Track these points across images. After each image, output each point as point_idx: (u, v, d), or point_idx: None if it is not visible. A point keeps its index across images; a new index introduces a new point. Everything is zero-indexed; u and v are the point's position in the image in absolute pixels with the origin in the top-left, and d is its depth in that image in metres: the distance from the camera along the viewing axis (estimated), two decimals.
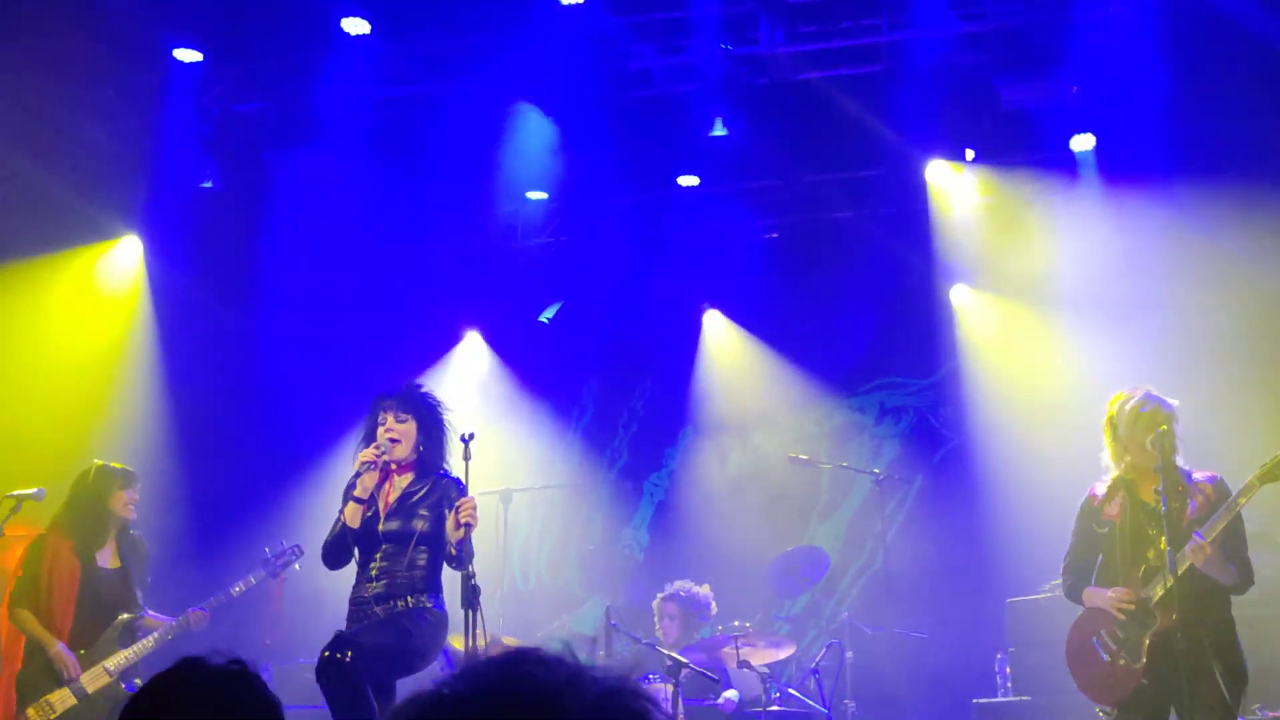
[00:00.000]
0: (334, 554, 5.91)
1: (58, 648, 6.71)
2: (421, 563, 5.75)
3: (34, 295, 9.27)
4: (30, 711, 6.65)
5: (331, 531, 5.92)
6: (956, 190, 10.09)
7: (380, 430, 5.89)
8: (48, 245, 9.47)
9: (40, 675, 6.75)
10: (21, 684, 6.79)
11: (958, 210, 10.17)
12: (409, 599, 5.68)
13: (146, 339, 10.09)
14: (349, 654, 5.30)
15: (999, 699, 8.20)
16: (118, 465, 7.23)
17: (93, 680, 6.77)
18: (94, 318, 9.81)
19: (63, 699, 6.71)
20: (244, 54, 9.06)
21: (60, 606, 6.82)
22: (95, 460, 7.22)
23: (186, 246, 10.06)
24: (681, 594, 8.55)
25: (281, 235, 9.93)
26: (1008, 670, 8.19)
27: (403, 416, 5.92)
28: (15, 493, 6.76)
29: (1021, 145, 9.62)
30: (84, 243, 9.83)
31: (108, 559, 7.07)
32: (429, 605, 5.71)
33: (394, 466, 5.93)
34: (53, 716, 6.66)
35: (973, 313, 10.68)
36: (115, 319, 9.97)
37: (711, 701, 7.84)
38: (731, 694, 7.88)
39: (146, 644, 6.94)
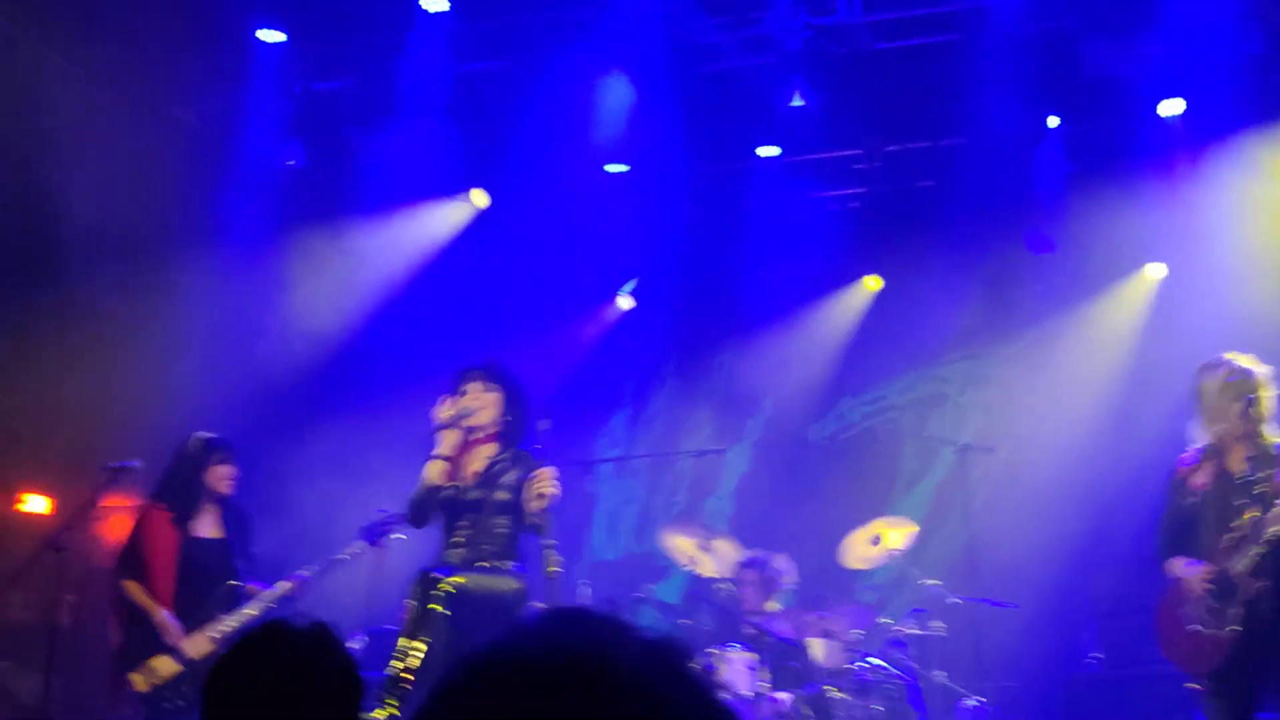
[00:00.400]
0: (419, 512, 6.04)
1: (162, 614, 6.88)
2: (501, 532, 5.87)
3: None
4: (135, 677, 6.84)
5: (416, 490, 6.04)
6: (1042, 158, 9.96)
7: (465, 398, 6.04)
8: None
9: (144, 642, 6.93)
10: (126, 650, 6.97)
11: (1043, 178, 10.04)
12: (491, 561, 5.81)
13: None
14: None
15: (1087, 670, 8.14)
16: (217, 437, 7.36)
17: (194, 647, 6.93)
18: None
19: (166, 664, 6.89)
20: (326, 33, 9.17)
21: (162, 575, 6.98)
22: (195, 433, 7.35)
23: (272, 223, 10.23)
24: (758, 560, 8.57)
25: (364, 212, 10.06)
26: (1098, 641, 8.13)
27: (490, 386, 6.07)
28: (113, 464, 6.94)
29: (1107, 111, 9.47)
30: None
31: (208, 529, 7.21)
32: (513, 573, 5.84)
33: (479, 435, 6.05)
34: (156, 681, 6.84)
35: (1059, 281, 10.55)
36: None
37: (785, 692, 7.83)
38: (806, 685, 7.86)
39: (248, 611, 7.08)
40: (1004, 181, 10.04)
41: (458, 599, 5.57)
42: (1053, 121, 9.67)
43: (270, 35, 9.00)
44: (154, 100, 9.32)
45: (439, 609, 5.54)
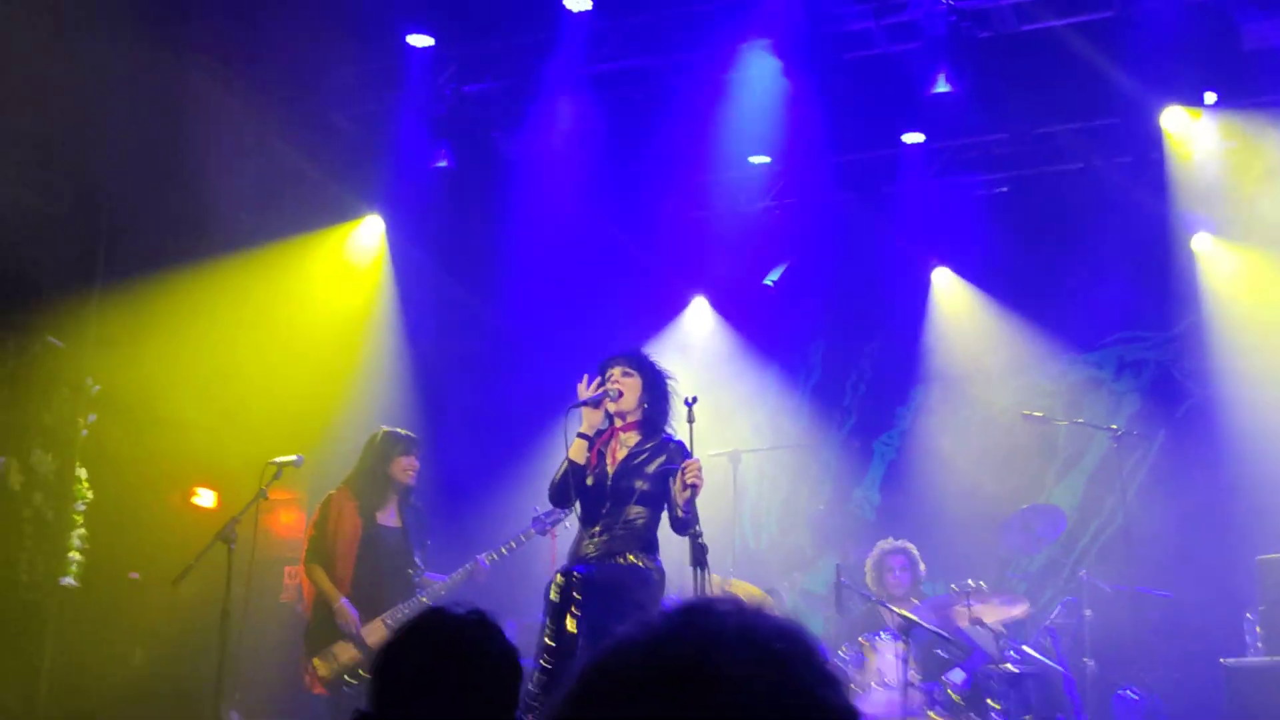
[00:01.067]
0: (563, 491, 6.14)
1: (340, 602, 7.13)
2: (640, 522, 5.93)
3: (291, 273, 9.80)
4: (316, 661, 7.10)
5: (559, 470, 6.16)
6: (1196, 136, 9.68)
7: (614, 384, 6.15)
8: (303, 226, 10.01)
9: (326, 627, 7.18)
10: (310, 635, 7.24)
11: (1198, 157, 9.76)
12: (628, 555, 5.87)
13: (391, 311, 10.58)
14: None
15: (1249, 659, 7.92)
16: (403, 431, 7.65)
17: (372, 633, 7.16)
18: (342, 294, 10.31)
19: (346, 650, 7.14)
20: (473, 36, 9.35)
21: (343, 562, 7.25)
22: (382, 426, 7.65)
23: (423, 224, 10.51)
24: (905, 549, 8.52)
25: (512, 209, 10.26)
26: (1258, 630, 7.90)
27: (629, 372, 6.18)
28: (276, 459, 7.22)
29: (1267, 86, 9.16)
30: (334, 223, 10.35)
31: (390, 519, 7.48)
32: (649, 564, 5.90)
33: (620, 423, 6.15)
34: (337, 667, 7.10)
35: (1216, 262, 10.26)
36: (361, 294, 10.47)
37: (935, 683, 7.78)
38: (957, 675, 7.80)
39: (424, 600, 7.30)
40: (1158, 160, 9.79)
41: (594, 596, 5.65)
42: (1209, 98, 9.38)
43: (419, 40, 9.21)
44: (308, 107, 9.63)
45: (576, 610, 5.62)
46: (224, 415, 8.78)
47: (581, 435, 6.11)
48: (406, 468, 7.50)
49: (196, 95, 8.72)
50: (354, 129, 9.95)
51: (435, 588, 7.38)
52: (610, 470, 6.08)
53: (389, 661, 2.53)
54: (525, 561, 8.93)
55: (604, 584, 5.72)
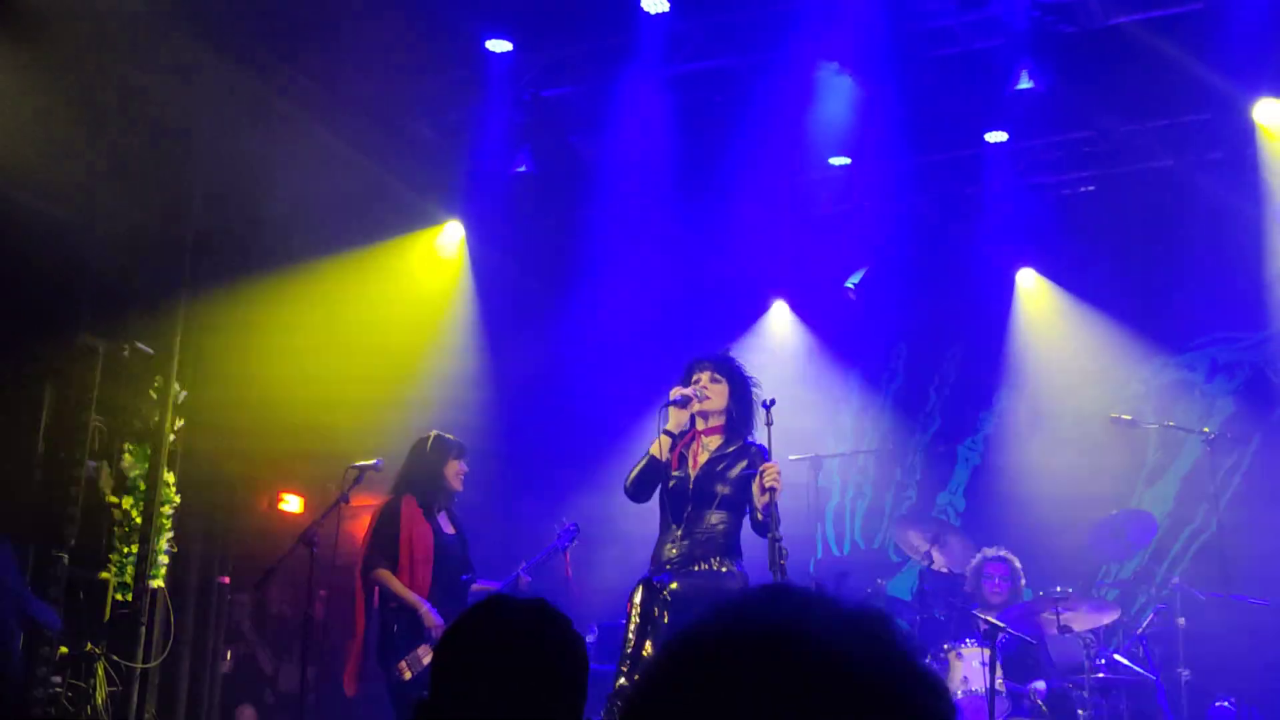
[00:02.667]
0: (640, 486, 6.13)
1: (425, 607, 7.14)
2: (722, 527, 5.91)
3: (373, 280, 9.89)
4: (402, 665, 7.13)
5: (639, 464, 6.14)
6: None
7: (700, 386, 6.13)
8: (386, 233, 10.11)
9: (408, 631, 7.18)
10: (388, 639, 7.21)
11: None
12: (712, 561, 5.84)
13: (471, 316, 10.65)
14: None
15: None
16: (451, 436, 7.67)
17: None
18: (424, 299, 10.39)
19: (428, 653, 7.17)
20: (551, 41, 9.37)
21: (421, 567, 7.20)
22: (432, 430, 7.66)
23: (504, 229, 10.57)
24: (995, 556, 8.41)
25: (591, 214, 10.28)
26: None
27: (717, 378, 6.16)
28: (357, 464, 7.28)
29: None
30: (416, 229, 10.44)
31: (446, 525, 7.50)
32: (732, 569, 5.86)
33: (702, 425, 6.14)
34: (419, 669, 7.13)
35: None
36: (442, 299, 10.55)
37: (1021, 688, 7.65)
38: (1039, 684, 7.68)
39: None
40: (1251, 156, 9.55)
41: (678, 605, 5.64)
42: None
43: (498, 45, 9.25)
44: (392, 115, 9.72)
45: (662, 617, 5.62)
46: (309, 421, 8.88)
47: (666, 433, 6.11)
48: (459, 473, 7.51)
49: (283, 110, 8.84)
50: (436, 137, 10.04)
51: (490, 593, 7.39)
52: (692, 474, 6.06)
53: (448, 647, 2.53)
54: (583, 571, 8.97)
55: (686, 593, 5.70)
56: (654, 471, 6.09)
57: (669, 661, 1.08)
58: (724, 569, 5.86)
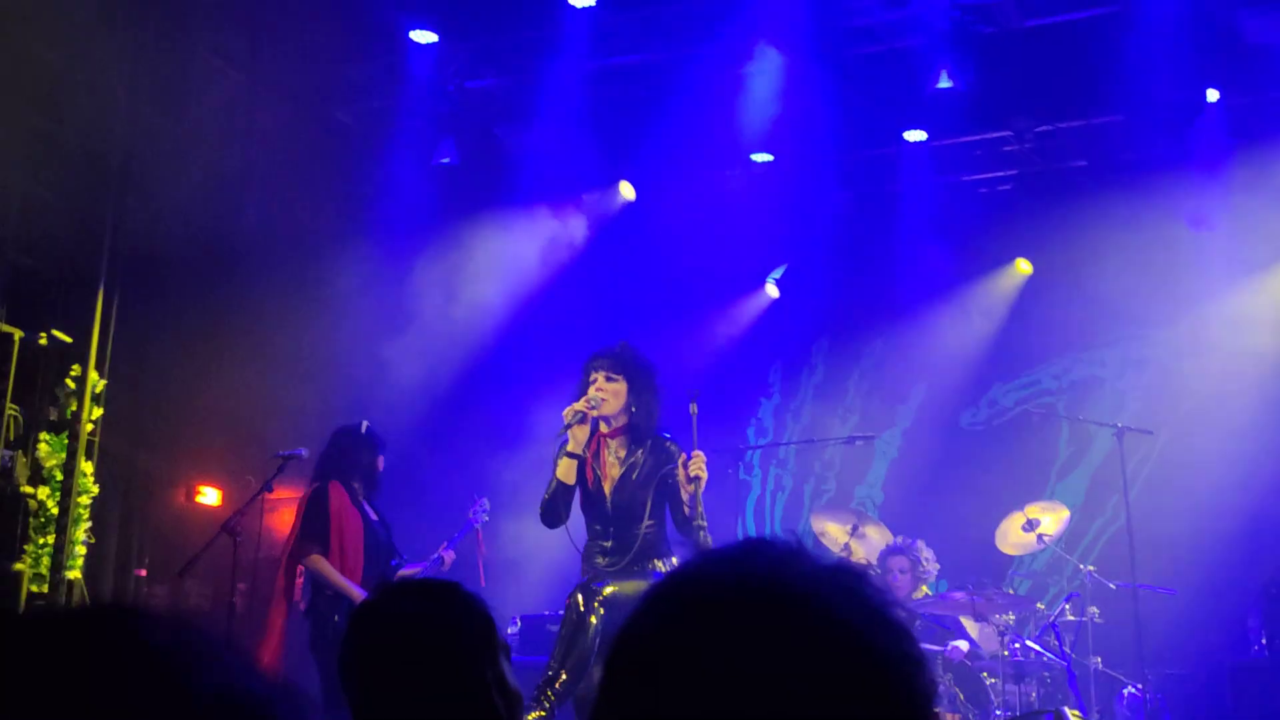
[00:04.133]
0: (553, 513, 5.87)
1: (362, 594, 7.01)
2: (651, 534, 5.77)
3: (294, 270, 9.78)
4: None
5: (548, 490, 5.89)
6: (1201, 133, 9.66)
7: (591, 389, 5.85)
8: (309, 221, 10.00)
9: (341, 616, 7.05)
10: (322, 630, 7.07)
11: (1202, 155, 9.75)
12: (647, 563, 5.76)
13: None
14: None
15: (1253, 656, 7.93)
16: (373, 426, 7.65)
17: None
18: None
19: None
20: (476, 32, 9.36)
21: (353, 555, 7.09)
22: (363, 420, 7.61)
23: (424, 220, 10.50)
24: (907, 545, 8.54)
25: (514, 208, 10.26)
26: (1262, 627, 7.91)
27: (613, 376, 5.84)
28: (281, 453, 7.21)
29: (1269, 83, 9.16)
30: (340, 219, 10.33)
31: (371, 512, 7.45)
32: (670, 566, 5.80)
33: (606, 429, 5.91)
34: None
35: (1220, 259, 10.26)
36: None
37: (940, 649, 7.81)
38: (960, 643, 7.84)
39: None
40: (1161, 159, 9.79)
41: (615, 606, 5.57)
42: (1212, 95, 9.38)
43: (423, 36, 9.22)
44: (314, 103, 9.65)
45: (595, 621, 5.57)
46: (230, 411, 8.78)
47: (570, 455, 5.82)
48: (381, 461, 7.49)
49: (201, 90, 8.74)
50: (357, 125, 9.97)
51: (418, 575, 7.34)
52: (607, 488, 5.85)
53: (346, 643, 2.51)
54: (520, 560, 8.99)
55: (623, 594, 5.61)
56: (564, 496, 5.85)
57: (656, 602, 1.10)
58: (661, 567, 5.77)
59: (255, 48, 9.06)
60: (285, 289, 9.58)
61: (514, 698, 2.50)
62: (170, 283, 8.49)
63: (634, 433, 5.89)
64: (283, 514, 9.95)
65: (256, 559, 7.58)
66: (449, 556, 7.53)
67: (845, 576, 1.10)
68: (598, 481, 5.86)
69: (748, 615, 1.05)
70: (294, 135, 9.59)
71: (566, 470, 5.83)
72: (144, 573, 8.56)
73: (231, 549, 6.93)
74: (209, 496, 9.59)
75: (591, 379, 5.87)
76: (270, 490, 7.06)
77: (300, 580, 7.18)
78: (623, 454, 5.87)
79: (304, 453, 7.21)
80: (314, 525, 7.08)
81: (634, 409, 5.87)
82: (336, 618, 6.91)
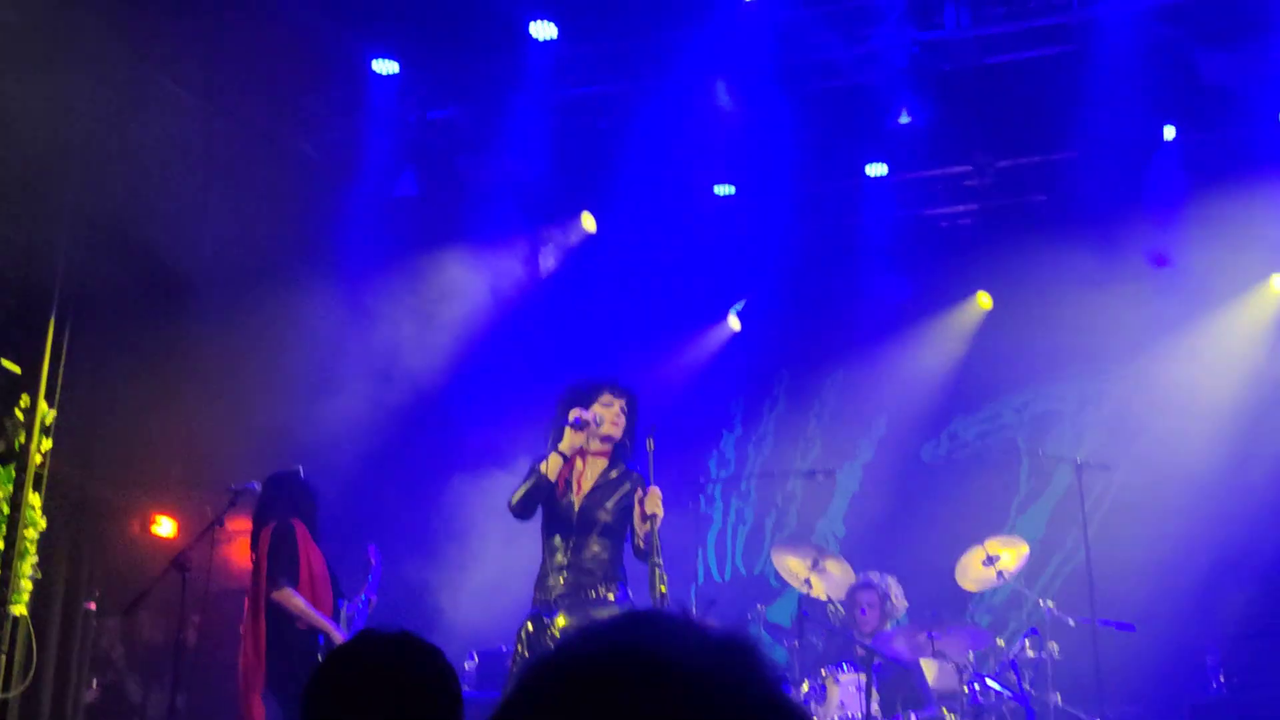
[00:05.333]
0: (527, 505, 6.00)
1: (334, 626, 7.03)
2: (606, 555, 5.84)
3: (252, 300, 9.69)
4: None
5: (526, 483, 6.02)
6: (1159, 170, 9.74)
7: (605, 409, 6.05)
8: (268, 251, 9.91)
9: (314, 651, 7.00)
10: (293, 662, 6.99)
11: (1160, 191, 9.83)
12: (599, 589, 5.79)
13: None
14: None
15: (1212, 694, 7.93)
16: None
17: None
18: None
19: None
20: (438, 62, 9.34)
21: (322, 588, 7.15)
22: (297, 466, 7.57)
23: (388, 250, 10.43)
24: (871, 581, 8.52)
25: (475, 239, 10.20)
26: (1220, 664, 7.91)
27: (626, 409, 6.13)
28: (234, 486, 7.13)
29: (1225, 120, 9.25)
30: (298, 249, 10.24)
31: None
32: (618, 596, 5.82)
33: (593, 446, 6.08)
34: None
35: (1180, 296, 10.32)
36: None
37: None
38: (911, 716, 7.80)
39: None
40: (1119, 195, 9.85)
41: (565, 636, 5.58)
42: (1169, 133, 9.46)
43: (385, 66, 9.19)
44: (275, 133, 9.58)
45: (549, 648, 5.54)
46: (186, 443, 8.68)
47: (559, 453, 6.00)
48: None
49: (158, 118, 8.65)
50: (319, 156, 9.91)
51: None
52: (576, 500, 5.97)
53: (312, 690, 2.48)
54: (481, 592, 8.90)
55: (574, 625, 5.63)
56: (541, 491, 5.98)
57: (532, 681, 1.07)
58: (610, 596, 5.80)
59: (214, 76, 8.99)
60: (242, 319, 9.49)
61: None
62: (124, 313, 8.38)
63: (614, 459, 6.11)
64: (238, 545, 9.84)
65: (208, 592, 7.49)
66: (372, 600, 7.57)
67: (734, 652, 1.05)
68: (569, 490, 5.99)
69: (627, 696, 1.00)
70: (253, 164, 9.52)
71: (552, 467, 5.99)
72: (94, 605, 8.42)
73: (181, 582, 6.83)
74: (164, 527, 9.48)
75: (607, 400, 6.10)
76: (222, 524, 6.98)
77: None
78: (598, 472, 6.05)
79: (256, 486, 7.13)
80: (283, 560, 7.06)
81: (625, 442, 6.14)
82: (307, 651, 6.88)
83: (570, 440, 5.99)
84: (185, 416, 8.65)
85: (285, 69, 8.82)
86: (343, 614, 7.38)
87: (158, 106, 8.67)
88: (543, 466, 5.98)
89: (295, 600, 6.97)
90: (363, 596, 7.62)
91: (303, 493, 7.39)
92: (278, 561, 7.05)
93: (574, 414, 5.99)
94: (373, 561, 7.90)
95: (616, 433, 6.06)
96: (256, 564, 7.13)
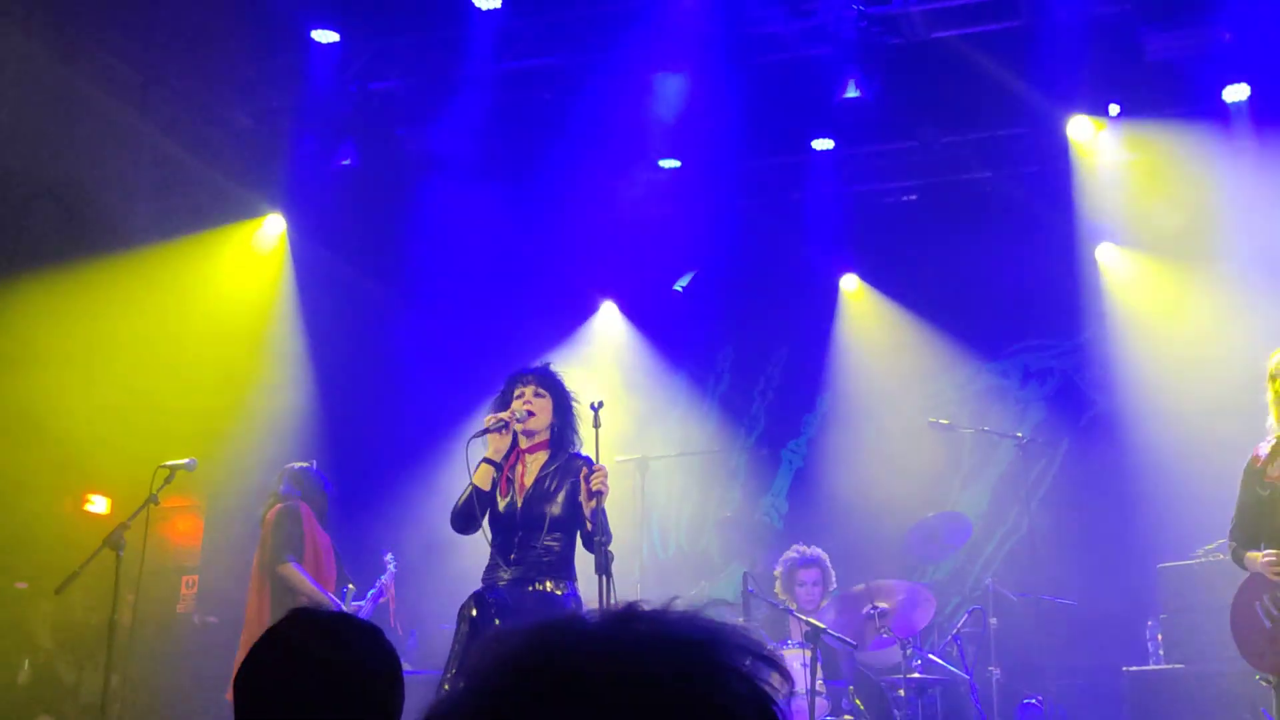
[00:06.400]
0: (466, 520, 5.85)
1: (333, 600, 7.39)
2: (556, 548, 5.72)
3: (187, 274, 9.54)
4: None
5: (461, 496, 5.90)
6: (1100, 146, 9.79)
7: (518, 401, 5.89)
8: (199, 225, 9.74)
9: None
10: None
11: (1102, 167, 9.88)
12: (545, 583, 5.69)
13: (291, 313, 10.33)
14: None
15: (1150, 666, 7.99)
16: None
17: None
18: (240, 294, 10.06)
19: None
20: (379, 32, 9.18)
21: (328, 566, 7.44)
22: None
23: (327, 223, 10.28)
24: (812, 557, 8.48)
25: (418, 210, 10.08)
26: (1159, 637, 7.97)
27: (540, 393, 5.92)
28: (168, 463, 6.97)
29: (1169, 98, 9.28)
30: (232, 221, 10.08)
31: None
32: (566, 590, 5.73)
33: (525, 444, 5.93)
34: None
35: (1119, 271, 10.39)
36: (260, 295, 10.22)
37: (840, 684, 7.76)
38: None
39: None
40: (1064, 170, 9.89)
41: (507, 613, 5.50)
42: (1114, 109, 9.50)
43: (324, 35, 9.02)
44: (209, 102, 9.39)
45: (491, 628, 5.47)
46: (118, 419, 8.50)
47: (488, 461, 5.85)
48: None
49: (88, 91, 8.45)
50: (256, 126, 9.72)
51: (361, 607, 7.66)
52: (519, 498, 5.82)
53: (242, 675, 2.40)
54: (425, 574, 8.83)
55: (517, 611, 5.54)
56: (480, 501, 5.83)
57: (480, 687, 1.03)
58: (559, 591, 5.69)
59: (149, 44, 8.78)
60: (179, 293, 9.33)
61: None
62: (56, 284, 8.18)
63: (552, 449, 5.93)
64: (176, 523, 9.68)
65: (142, 571, 7.33)
66: (390, 590, 7.77)
67: (713, 652, 0.98)
68: (511, 492, 5.85)
69: (600, 701, 0.94)
70: (190, 135, 9.33)
71: (483, 477, 5.84)
72: (24, 585, 8.25)
73: (115, 561, 6.69)
74: (98, 505, 9.31)
75: (518, 393, 5.93)
76: (156, 502, 6.83)
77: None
78: (537, 468, 5.89)
79: (193, 464, 7.00)
80: (288, 536, 7.34)
81: (555, 426, 5.95)
82: None
83: (495, 444, 5.85)
84: (122, 391, 8.48)
85: (223, 38, 8.62)
86: (348, 596, 7.64)
87: (89, 76, 8.46)
88: (476, 478, 5.84)
89: (296, 573, 7.22)
90: (371, 592, 7.83)
91: (313, 484, 7.70)
92: (282, 537, 7.33)
93: (488, 420, 5.86)
94: (390, 567, 8.15)
95: (539, 422, 5.88)
96: (262, 540, 7.42)
